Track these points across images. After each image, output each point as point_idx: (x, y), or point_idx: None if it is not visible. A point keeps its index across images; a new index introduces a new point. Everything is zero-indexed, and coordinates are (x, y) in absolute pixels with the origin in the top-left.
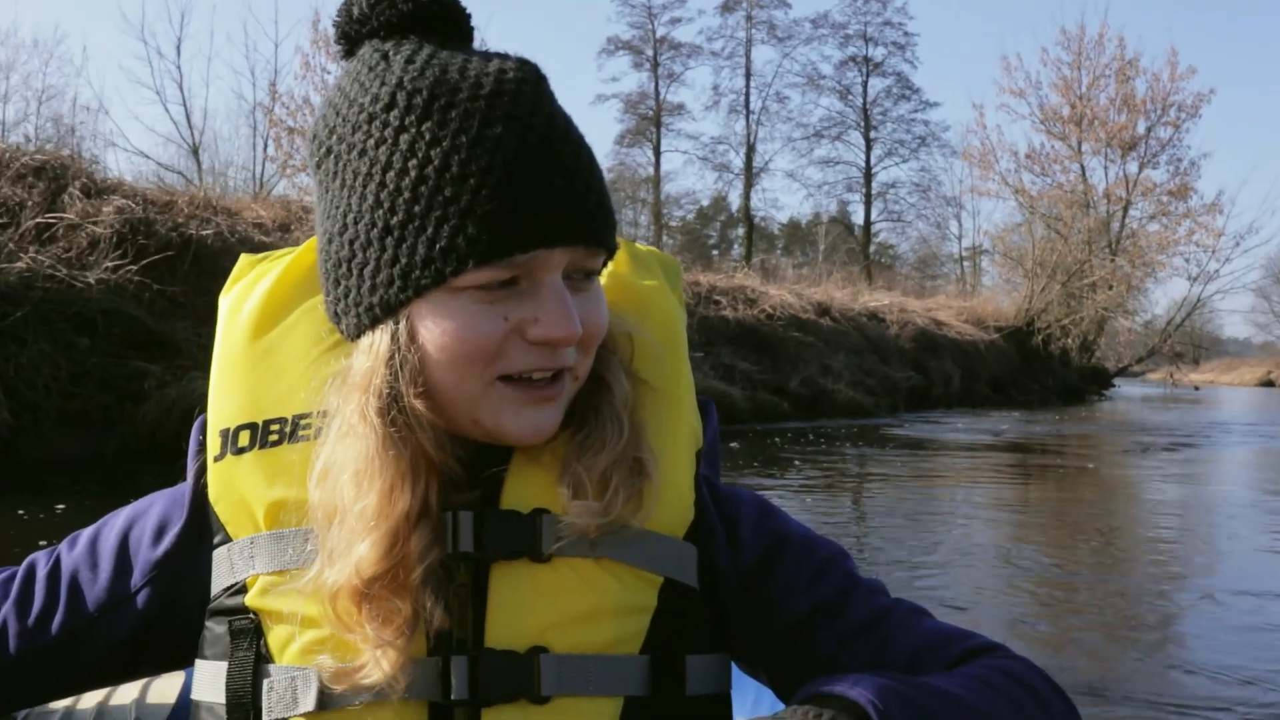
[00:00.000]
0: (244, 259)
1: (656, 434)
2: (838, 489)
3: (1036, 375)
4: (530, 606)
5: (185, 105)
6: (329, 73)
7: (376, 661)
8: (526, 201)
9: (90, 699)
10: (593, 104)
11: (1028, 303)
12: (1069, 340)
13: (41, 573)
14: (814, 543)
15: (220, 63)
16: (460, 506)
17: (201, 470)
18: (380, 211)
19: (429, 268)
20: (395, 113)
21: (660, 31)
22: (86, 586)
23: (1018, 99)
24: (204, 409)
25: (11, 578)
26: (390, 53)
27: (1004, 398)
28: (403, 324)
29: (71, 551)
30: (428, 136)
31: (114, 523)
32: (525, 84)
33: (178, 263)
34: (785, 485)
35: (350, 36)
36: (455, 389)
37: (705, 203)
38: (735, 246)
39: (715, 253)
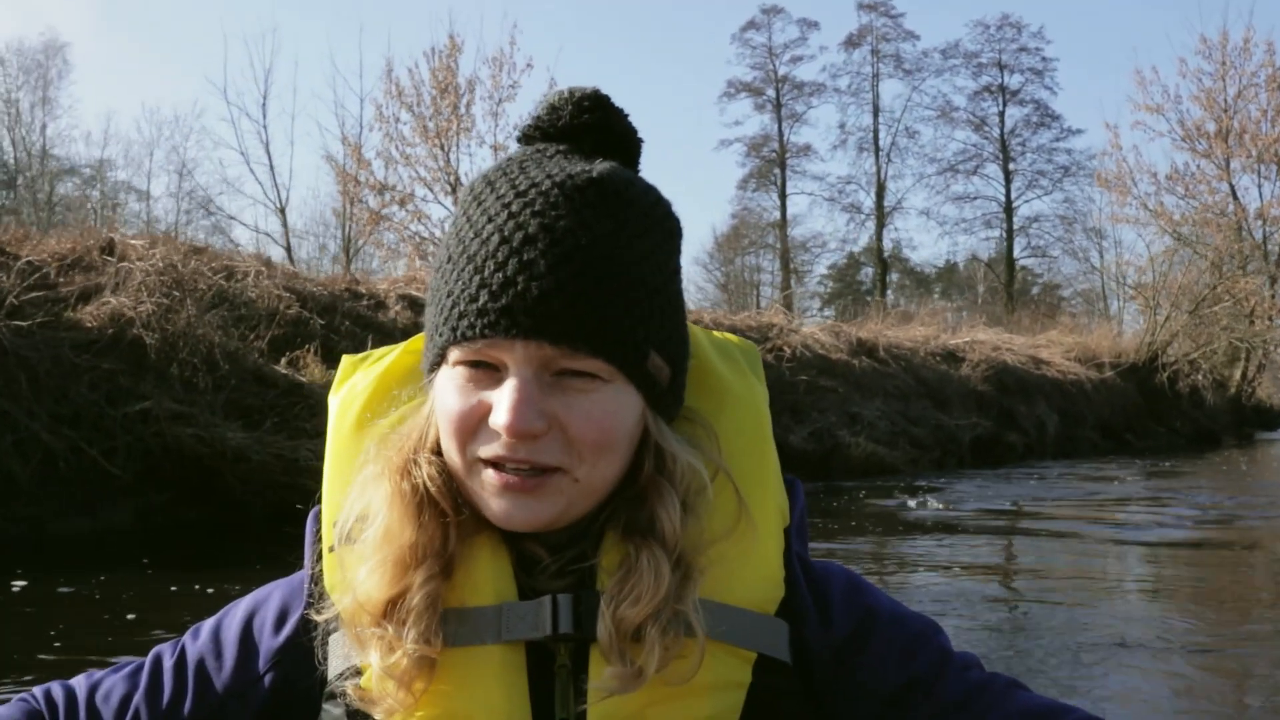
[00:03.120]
0: (346, 360)
1: (733, 540)
2: None
3: (1162, 418)
4: None
5: (271, 165)
6: (402, 122)
7: None
8: (488, 293)
9: None
10: (716, 149)
11: (1150, 335)
12: (1200, 376)
13: (168, 663)
14: (905, 618)
15: (307, 118)
16: (559, 590)
17: (318, 560)
18: (433, 283)
19: (435, 341)
20: (466, 196)
21: (782, 71)
22: (213, 674)
23: (1155, 115)
24: (318, 500)
25: (139, 669)
26: (522, 152)
27: (1116, 445)
28: (430, 390)
29: (196, 641)
30: (465, 222)
31: (235, 612)
32: (576, 190)
33: None
34: None
35: (527, 135)
36: (449, 460)
37: (836, 246)
38: (890, 292)
39: (870, 299)
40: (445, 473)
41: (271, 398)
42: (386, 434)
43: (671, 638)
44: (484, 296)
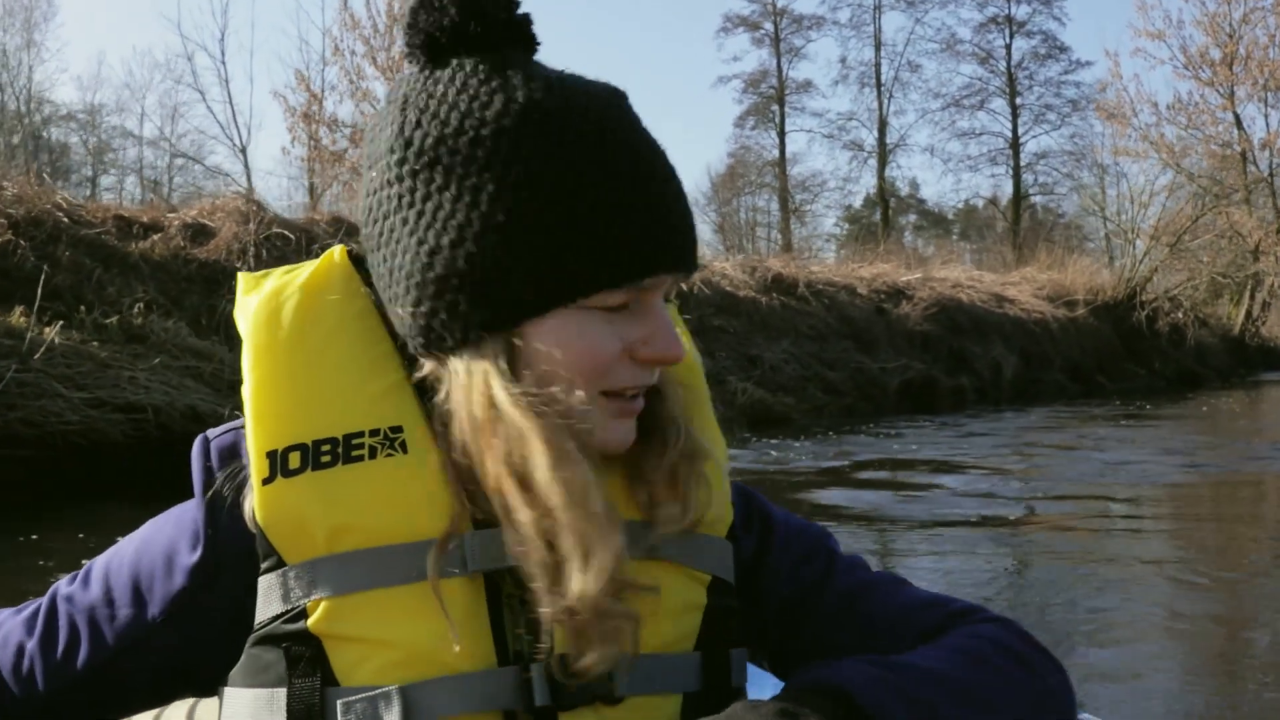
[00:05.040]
0: (246, 277)
1: (702, 432)
2: None
3: (1141, 359)
4: None
5: (231, 104)
6: (358, 55)
7: (458, 675)
8: (653, 230)
9: None
10: (714, 86)
11: (1130, 270)
12: (1181, 314)
13: (63, 608)
14: (797, 523)
15: (268, 53)
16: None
17: (229, 494)
18: (512, 228)
19: (564, 286)
20: (528, 131)
21: (781, 3)
22: (105, 624)
23: (1156, 42)
24: (206, 429)
25: (37, 612)
26: (502, 70)
27: (1086, 388)
28: (517, 340)
29: (87, 587)
30: (561, 159)
31: (126, 553)
32: (629, 114)
33: None
34: None
35: (439, 45)
36: (561, 401)
37: (836, 185)
38: (907, 234)
39: (889, 239)
40: None
41: None
42: (379, 386)
43: (697, 474)
44: (652, 233)
